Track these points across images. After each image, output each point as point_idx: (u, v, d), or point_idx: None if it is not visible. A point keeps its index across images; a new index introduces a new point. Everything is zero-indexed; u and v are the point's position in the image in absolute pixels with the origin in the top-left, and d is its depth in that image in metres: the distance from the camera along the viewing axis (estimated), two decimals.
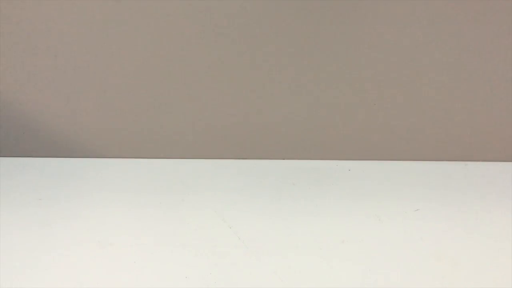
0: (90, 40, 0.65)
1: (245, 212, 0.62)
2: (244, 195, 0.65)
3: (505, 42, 0.62)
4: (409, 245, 0.56)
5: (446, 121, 0.67)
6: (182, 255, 0.56)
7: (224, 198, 0.64)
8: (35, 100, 0.69)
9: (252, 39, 0.64)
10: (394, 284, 0.52)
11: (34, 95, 0.68)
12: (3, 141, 0.72)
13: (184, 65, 0.66)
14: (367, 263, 0.54)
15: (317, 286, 0.52)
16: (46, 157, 0.72)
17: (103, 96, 0.68)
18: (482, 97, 0.66)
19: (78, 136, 0.71)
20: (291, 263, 0.54)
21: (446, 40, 0.63)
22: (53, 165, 0.71)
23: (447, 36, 0.62)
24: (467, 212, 0.61)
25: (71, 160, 0.72)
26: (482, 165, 0.69)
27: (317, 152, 0.71)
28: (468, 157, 0.69)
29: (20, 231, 0.60)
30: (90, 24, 0.64)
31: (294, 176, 0.68)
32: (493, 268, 0.53)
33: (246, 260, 0.55)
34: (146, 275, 0.53)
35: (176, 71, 0.66)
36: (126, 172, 0.70)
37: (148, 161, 0.72)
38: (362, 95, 0.66)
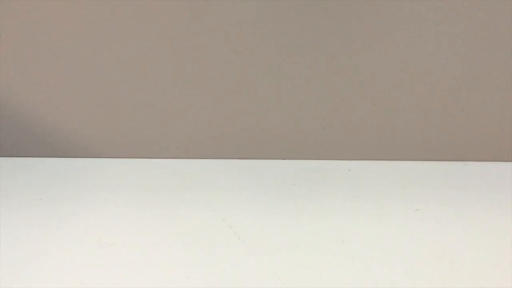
0: (90, 40, 0.65)
1: (245, 212, 0.62)
2: (244, 195, 0.65)
3: (505, 42, 0.62)
4: (409, 245, 0.56)
5: (446, 121, 0.67)
6: (182, 255, 0.56)
7: (224, 198, 0.64)
8: (35, 100, 0.69)
9: (252, 39, 0.64)
10: (394, 284, 0.52)
11: (34, 95, 0.68)
12: (3, 141, 0.72)
13: (184, 65, 0.66)
14: (367, 263, 0.54)
15: (317, 286, 0.52)
16: (46, 157, 0.72)
17: (103, 96, 0.68)
18: (482, 97, 0.66)
19: (78, 136, 0.71)
20: (291, 263, 0.54)
21: (446, 40, 0.63)
22: (53, 165, 0.71)
23: (447, 35, 0.62)
24: (467, 212, 0.61)
25: (71, 160, 0.72)
26: (482, 165, 0.69)
27: (317, 152, 0.71)
28: (468, 157, 0.69)
29: (20, 231, 0.60)
30: (90, 24, 0.64)
31: (294, 176, 0.68)
32: (493, 268, 0.53)
33: (246, 260, 0.55)
34: (146, 275, 0.53)
35: (176, 71, 0.66)
36: (126, 172, 0.70)
37: (148, 161, 0.72)
38: (362, 95, 0.66)
